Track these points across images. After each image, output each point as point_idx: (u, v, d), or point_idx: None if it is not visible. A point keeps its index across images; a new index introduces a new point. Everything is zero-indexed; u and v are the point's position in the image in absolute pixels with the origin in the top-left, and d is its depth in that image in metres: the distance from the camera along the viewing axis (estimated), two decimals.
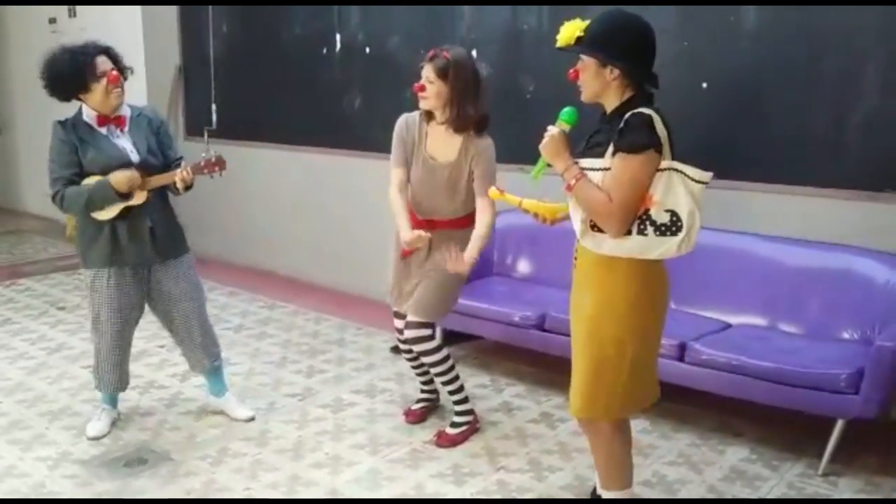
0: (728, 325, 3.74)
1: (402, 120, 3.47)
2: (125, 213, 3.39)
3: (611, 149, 2.37)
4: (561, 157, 2.43)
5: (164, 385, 4.20)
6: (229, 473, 3.30)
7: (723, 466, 3.34)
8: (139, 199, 3.36)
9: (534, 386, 4.16)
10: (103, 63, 3.36)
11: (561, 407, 3.89)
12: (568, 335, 3.72)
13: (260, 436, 3.63)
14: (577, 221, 2.45)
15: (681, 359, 3.48)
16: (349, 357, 4.62)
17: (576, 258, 2.58)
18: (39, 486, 3.20)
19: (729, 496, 3.12)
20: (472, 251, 3.32)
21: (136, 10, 6.81)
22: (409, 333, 3.47)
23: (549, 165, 2.49)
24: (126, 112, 3.47)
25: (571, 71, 2.49)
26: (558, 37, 2.47)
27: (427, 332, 3.47)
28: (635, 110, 2.35)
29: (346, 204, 5.76)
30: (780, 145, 3.82)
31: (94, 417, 3.69)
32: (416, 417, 3.77)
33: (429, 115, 3.39)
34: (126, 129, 3.45)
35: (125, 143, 3.42)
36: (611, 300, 2.46)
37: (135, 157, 3.39)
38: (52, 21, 7.93)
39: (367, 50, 5.49)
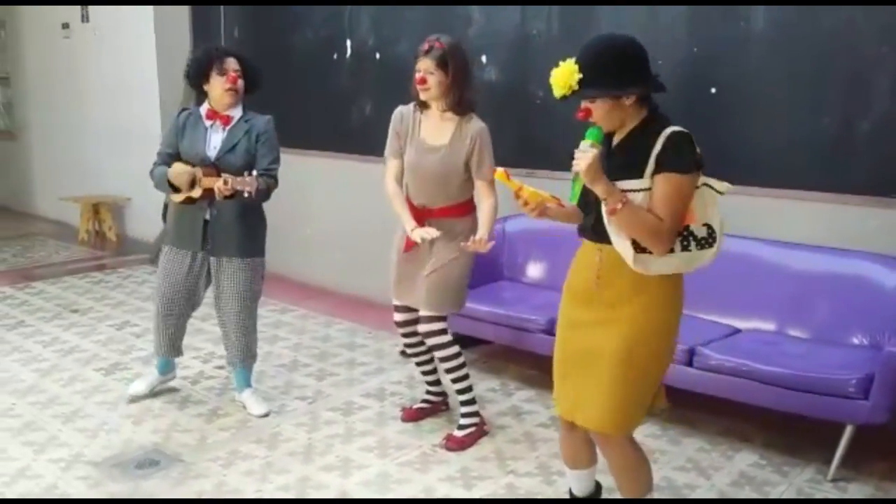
0: (737, 331, 3.74)
1: (397, 111, 3.54)
2: (191, 202, 3.70)
3: (650, 168, 2.30)
4: (601, 179, 2.27)
5: (176, 388, 4.23)
6: (240, 475, 3.32)
7: (731, 472, 3.34)
8: (195, 192, 3.65)
9: (543, 390, 4.17)
10: (231, 63, 3.68)
11: None
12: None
13: (271, 438, 3.66)
14: (624, 247, 2.34)
15: (689, 364, 3.48)
16: (360, 361, 4.65)
17: (598, 277, 2.46)
18: (52, 488, 3.23)
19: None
20: (483, 231, 3.35)
21: (148, 16, 6.86)
22: (422, 328, 3.50)
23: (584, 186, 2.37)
24: (235, 115, 3.75)
25: (579, 113, 2.38)
26: (555, 86, 2.32)
27: (440, 325, 3.50)
28: (673, 129, 2.31)
29: (356, 208, 5.78)
30: (789, 150, 3.83)
31: (142, 376, 4.10)
32: (411, 416, 3.79)
33: (423, 105, 3.44)
34: (228, 127, 3.72)
35: (217, 140, 3.72)
36: (658, 320, 2.44)
37: (211, 153, 3.68)
38: (66, 26, 8.00)
39: (377, 55, 5.52)
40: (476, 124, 3.41)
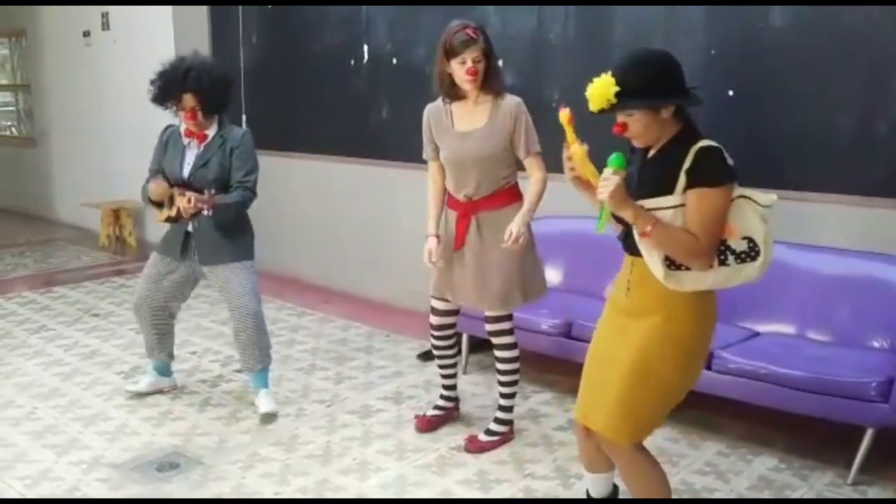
0: (756, 334, 3.72)
1: (427, 112, 3.48)
2: (172, 220, 3.86)
3: (681, 184, 2.28)
4: (628, 204, 2.27)
5: (195, 391, 4.26)
6: (259, 478, 3.34)
7: (751, 475, 3.32)
8: (172, 212, 3.81)
9: (560, 394, 4.17)
10: (187, 101, 3.73)
11: None
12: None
13: (289, 441, 3.68)
14: (655, 264, 2.33)
15: (708, 367, 3.46)
16: (377, 364, 4.66)
17: (628, 289, 2.48)
18: (74, 490, 3.26)
19: None
20: (516, 223, 3.25)
21: (167, 23, 6.93)
22: (489, 327, 3.50)
23: (612, 214, 2.37)
24: (211, 132, 3.84)
25: (616, 127, 2.35)
26: (591, 100, 2.30)
27: (507, 325, 3.51)
28: (703, 144, 2.29)
29: (374, 212, 5.81)
30: (808, 152, 3.81)
31: (145, 374, 4.23)
32: (426, 426, 3.75)
33: (453, 96, 3.36)
34: (203, 143, 3.83)
35: (191, 157, 3.83)
36: (678, 334, 2.40)
37: (186, 171, 3.81)
38: (86, 34, 8.09)
39: (395, 60, 5.55)
40: (512, 100, 3.34)
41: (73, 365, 4.66)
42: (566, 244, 4.51)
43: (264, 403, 3.93)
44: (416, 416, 3.82)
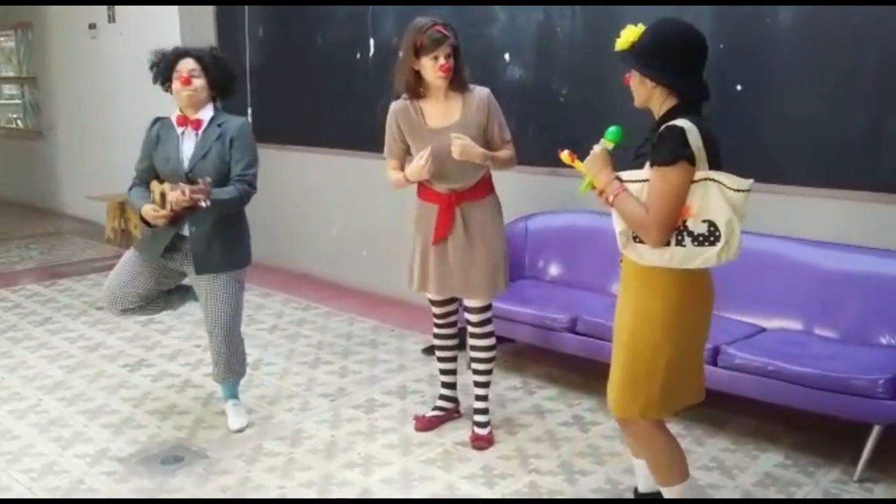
0: (762, 329, 3.71)
1: (392, 112, 3.47)
2: (172, 222, 3.48)
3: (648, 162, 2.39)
4: (603, 173, 2.46)
5: (200, 384, 4.27)
6: (263, 472, 3.34)
7: (757, 472, 3.31)
8: (165, 211, 3.44)
9: (566, 389, 4.16)
10: (184, 63, 3.50)
11: (593, 410, 3.89)
12: (600, 338, 3.74)
13: (294, 435, 3.68)
14: (619, 233, 2.47)
15: (714, 363, 3.45)
16: (382, 358, 4.66)
17: (621, 260, 2.60)
18: (78, 483, 3.26)
19: None
20: (479, 148, 3.25)
21: (174, 17, 6.92)
22: (474, 318, 3.51)
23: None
24: (206, 117, 3.55)
25: (626, 76, 2.52)
26: (619, 39, 2.49)
27: (490, 314, 3.55)
28: (670, 123, 2.35)
29: (379, 207, 5.79)
30: (816, 148, 3.79)
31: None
32: (425, 425, 3.72)
33: (416, 95, 3.36)
34: (199, 132, 3.55)
35: (188, 148, 3.53)
36: (647, 309, 2.48)
37: (185, 165, 3.50)
38: (92, 27, 8.08)
39: (402, 54, 5.52)
40: (481, 92, 3.35)
41: (78, 357, 4.67)
42: (571, 239, 4.50)
43: (233, 419, 3.75)
44: (415, 417, 3.79)
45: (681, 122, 2.33)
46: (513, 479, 3.28)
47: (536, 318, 4.04)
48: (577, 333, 3.90)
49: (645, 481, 2.85)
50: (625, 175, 2.44)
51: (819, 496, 3.13)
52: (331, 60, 6.02)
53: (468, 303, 3.51)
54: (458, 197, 3.38)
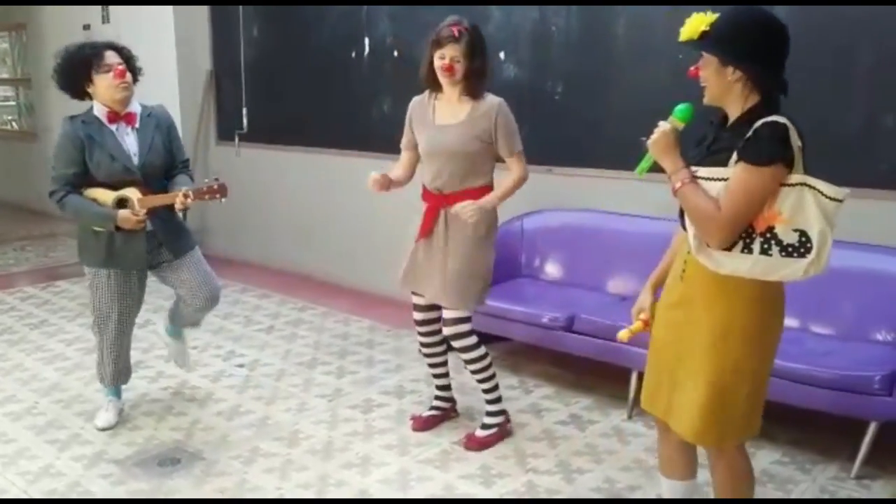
0: None
1: (412, 102, 3.50)
2: (138, 227, 3.44)
3: (734, 157, 2.16)
4: (670, 155, 2.23)
5: (197, 385, 4.26)
6: (261, 473, 3.34)
7: (754, 469, 3.30)
8: (141, 218, 3.40)
9: (562, 388, 4.16)
10: (111, 56, 3.41)
11: (590, 409, 3.89)
12: (597, 337, 3.71)
13: (291, 436, 3.67)
14: (690, 235, 2.23)
15: None
16: (378, 358, 4.65)
17: (683, 270, 2.36)
18: (75, 485, 3.25)
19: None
20: (493, 197, 3.30)
21: (168, 17, 6.91)
22: (447, 330, 3.44)
23: (654, 164, 2.30)
24: (136, 109, 3.51)
25: (692, 68, 2.28)
26: (682, 30, 2.25)
27: (466, 327, 3.42)
28: (768, 119, 2.14)
29: (376, 207, 5.78)
30: (812, 144, 3.77)
31: (103, 409, 3.82)
32: (422, 425, 3.71)
33: (437, 88, 3.37)
34: (136, 126, 3.48)
35: (131, 143, 3.47)
36: (732, 325, 2.25)
37: (136, 161, 3.44)
38: (87, 27, 8.05)
39: (396, 53, 5.53)
40: (493, 100, 3.32)
41: (74, 360, 4.66)
42: (568, 238, 4.50)
43: (180, 355, 4.05)
44: (412, 417, 3.79)
45: (781, 120, 2.14)
46: (510, 478, 3.27)
47: (533, 317, 4.03)
48: (574, 332, 3.89)
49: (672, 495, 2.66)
50: (702, 172, 2.21)
51: (816, 493, 3.13)
52: (326, 61, 6.01)
53: (443, 312, 3.46)
54: (444, 199, 3.38)
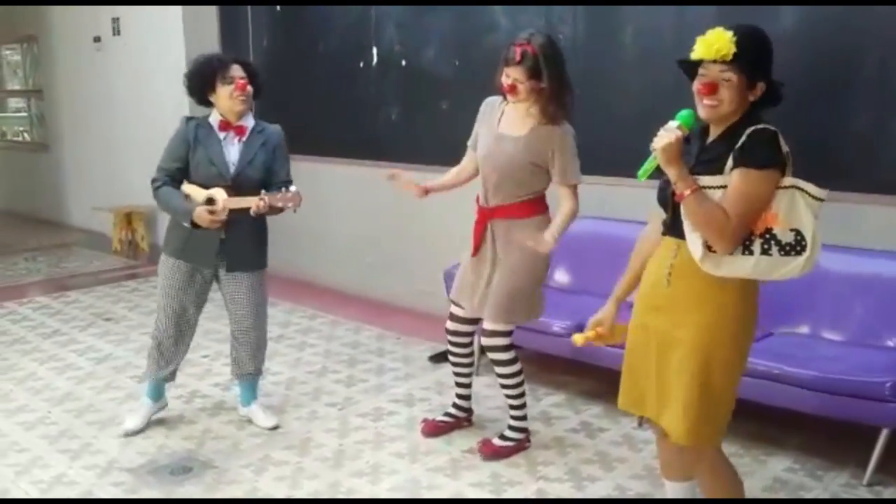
0: (769, 333, 3.70)
1: (485, 102, 3.45)
2: (214, 225, 3.51)
3: (730, 164, 2.23)
4: (677, 163, 2.23)
5: (208, 394, 4.27)
6: (272, 481, 3.35)
7: (765, 476, 3.31)
8: (221, 216, 3.46)
9: (573, 395, 4.16)
10: (236, 70, 3.56)
11: (600, 416, 3.89)
12: (607, 344, 3.71)
13: (301, 444, 3.68)
14: (695, 244, 2.25)
15: None
16: (388, 367, 4.66)
17: (669, 274, 2.38)
18: (87, 494, 3.27)
19: None
20: (552, 230, 3.20)
21: (178, 28, 6.95)
22: (484, 341, 3.44)
23: (657, 168, 2.30)
24: (249, 124, 3.64)
25: (706, 85, 2.26)
26: (702, 45, 2.25)
27: (503, 341, 3.41)
28: (758, 126, 2.24)
29: (383, 216, 5.81)
30: (820, 150, 3.77)
31: (133, 410, 3.85)
32: (431, 430, 3.71)
33: (504, 96, 3.30)
34: (243, 139, 3.60)
35: (234, 153, 3.59)
36: (721, 323, 2.32)
37: (232, 171, 3.55)
38: (97, 40, 8.12)
39: (403, 62, 5.55)
40: (561, 127, 3.23)
41: (86, 369, 4.68)
42: (576, 245, 4.48)
43: (265, 419, 3.84)
44: (423, 420, 3.80)
45: (770, 126, 2.24)
46: (521, 486, 3.27)
47: (543, 325, 4.03)
48: None
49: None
50: (701, 181, 2.24)
51: (828, 499, 3.12)
52: (334, 70, 6.04)
53: (483, 323, 3.46)
54: (489, 212, 3.37)
